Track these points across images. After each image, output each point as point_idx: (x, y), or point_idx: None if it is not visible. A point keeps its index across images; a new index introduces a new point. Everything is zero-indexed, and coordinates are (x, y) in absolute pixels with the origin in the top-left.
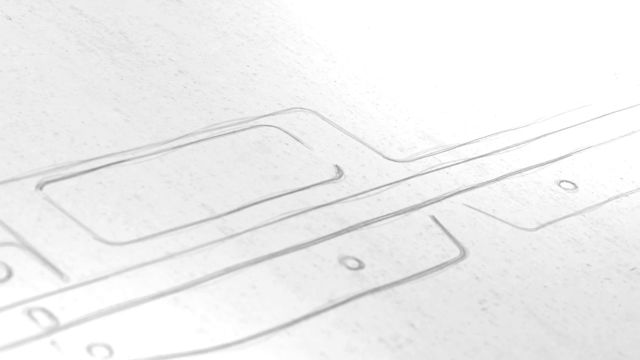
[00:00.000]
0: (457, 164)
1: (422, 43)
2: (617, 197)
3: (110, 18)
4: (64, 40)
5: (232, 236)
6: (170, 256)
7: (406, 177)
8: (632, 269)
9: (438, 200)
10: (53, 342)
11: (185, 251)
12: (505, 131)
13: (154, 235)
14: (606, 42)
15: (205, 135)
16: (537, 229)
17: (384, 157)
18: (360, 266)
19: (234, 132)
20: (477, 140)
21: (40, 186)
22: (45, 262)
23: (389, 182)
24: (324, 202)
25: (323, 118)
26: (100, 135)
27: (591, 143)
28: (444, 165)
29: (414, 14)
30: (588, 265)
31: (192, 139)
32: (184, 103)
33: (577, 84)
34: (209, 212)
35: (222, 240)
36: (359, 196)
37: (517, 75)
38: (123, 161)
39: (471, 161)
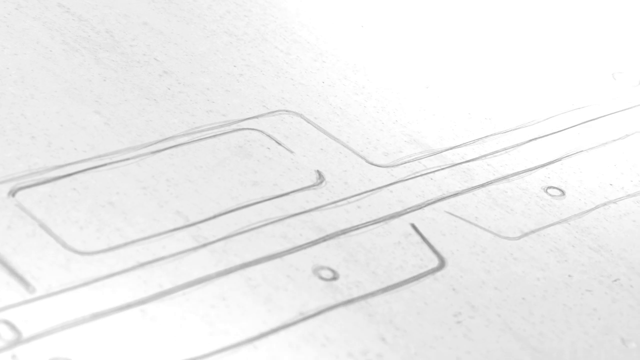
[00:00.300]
0: (443, 169)
1: (415, 42)
2: (605, 204)
3: (97, 16)
4: (49, 39)
5: (205, 245)
6: (140, 266)
7: (389, 183)
8: (615, 280)
9: (420, 207)
10: (14, 357)
11: (156, 261)
12: (494, 134)
13: (125, 244)
14: (601, 43)
15: (185, 139)
16: (519, 237)
17: (367, 162)
18: (335, 277)
19: (215, 135)
20: (464, 144)
21: (13, 192)
22: (12, 272)
23: (370, 188)
24: (302, 210)
25: (308, 121)
26: (78, 139)
27: (582, 147)
28: (428, 171)
29: (408, 13)
30: (569, 276)
31: (172, 143)
32: (166, 105)
33: (571, 85)
34: (184, 219)
35: (194, 249)
36: (338, 203)
37: (510, 76)
38: (99, 166)
39: (457, 166)
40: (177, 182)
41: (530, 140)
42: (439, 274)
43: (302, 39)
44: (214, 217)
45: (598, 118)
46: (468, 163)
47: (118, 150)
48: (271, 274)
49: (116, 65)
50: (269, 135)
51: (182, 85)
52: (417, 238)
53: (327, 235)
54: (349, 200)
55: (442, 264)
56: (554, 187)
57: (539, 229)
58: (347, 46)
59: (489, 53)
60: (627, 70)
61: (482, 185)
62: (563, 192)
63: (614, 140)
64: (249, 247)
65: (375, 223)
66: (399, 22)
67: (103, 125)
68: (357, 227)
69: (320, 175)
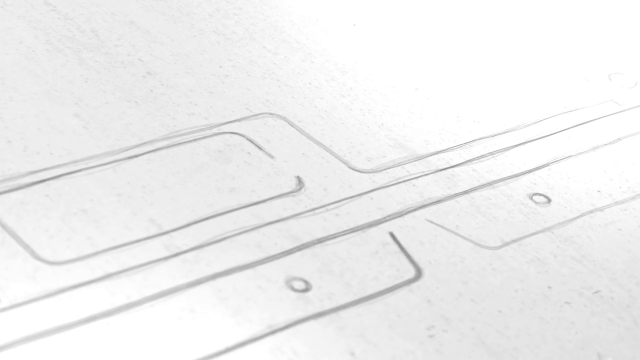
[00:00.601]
0: (426, 174)
1: (407, 42)
2: (591, 212)
3: (84, 15)
4: (33, 39)
5: (176, 254)
6: (108, 277)
7: (369, 189)
8: (596, 292)
9: (400, 215)
10: None
11: (125, 271)
12: (482, 138)
13: (95, 254)
14: (598, 43)
15: (164, 143)
16: (500, 247)
17: (349, 167)
18: (307, 288)
19: (195, 139)
20: (450, 148)
21: None
22: None
23: (350, 195)
24: (279, 218)
25: (291, 124)
26: (55, 144)
27: (572, 152)
28: (411, 177)
29: (402, 11)
30: (549, 287)
31: (150, 147)
32: (147, 108)
33: (565, 86)
34: (157, 228)
35: (165, 259)
36: (316, 211)
37: (502, 77)
38: (74, 172)
39: (441, 172)
40: (152, 188)
41: (519, 145)
42: (414, 285)
43: (291, 38)
44: (188, 225)
45: (590, 121)
46: (453, 168)
47: (95, 155)
48: (242, 285)
49: (99, 66)
50: (250, 140)
51: (165, 86)
52: (395, 247)
53: (303, 245)
54: (328, 207)
55: (418, 274)
56: (540, 194)
57: (521, 238)
58: (337, 46)
59: (480, 54)
60: (625, 71)
61: (466, 192)
62: (549, 199)
63: (605, 144)
64: (222, 256)
65: (353, 232)
66: (392, 21)
67: (81, 129)
68: (333, 236)
69: (300, 181)
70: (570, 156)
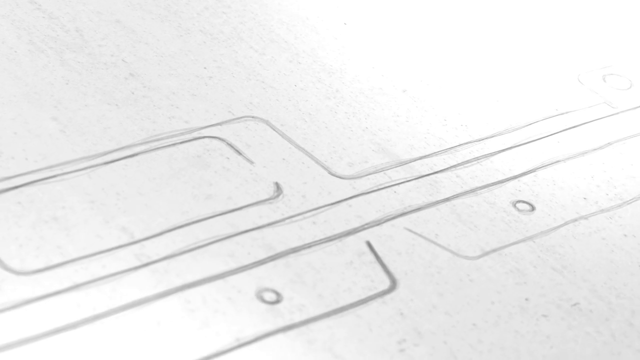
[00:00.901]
0: (408, 181)
1: (396, 42)
2: (575, 220)
3: (69, 13)
4: (15, 39)
5: (147, 264)
6: (76, 287)
7: (349, 196)
8: (574, 305)
9: (378, 223)
10: None
11: (93, 281)
12: (468, 143)
13: (64, 264)
14: (594, 43)
15: (142, 148)
16: (479, 257)
17: (330, 173)
18: (278, 300)
19: (174, 144)
20: (435, 153)
21: None
22: None
23: (329, 202)
24: (254, 226)
25: (273, 128)
26: (30, 149)
27: (560, 157)
28: (393, 183)
29: (394, 11)
30: (526, 299)
31: (128, 152)
32: (127, 111)
33: (557, 88)
34: (129, 236)
35: (135, 269)
36: (293, 219)
37: (492, 78)
38: (48, 178)
39: (424, 178)
40: (127, 195)
41: (505, 149)
42: (388, 296)
43: (279, 38)
44: (160, 234)
45: (581, 124)
46: (436, 174)
47: (70, 161)
48: (212, 296)
49: (81, 67)
50: (230, 144)
51: (147, 89)
52: (371, 257)
53: (276, 254)
54: (305, 215)
55: (393, 285)
56: (524, 202)
57: (501, 248)
58: (326, 46)
59: (473, 55)
60: (620, 72)
61: (447, 199)
62: (532, 207)
63: (595, 149)
64: (193, 266)
65: (329, 241)
66: (384, 20)
67: (59, 133)
68: (309, 245)
69: (278, 187)
70: (558, 161)
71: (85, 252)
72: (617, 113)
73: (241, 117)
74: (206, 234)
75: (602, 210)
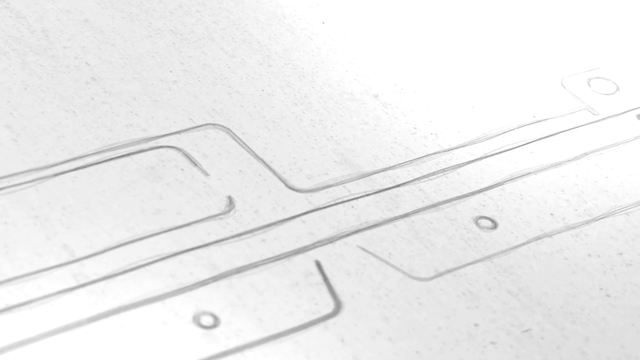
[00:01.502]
0: (368, 195)
1: (372, 45)
2: (538, 238)
3: (37, 12)
4: None
5: (84, 285)
6: (8, 310)
7: (303, 212)
8: (525, 331)
9: (331, 241)
10: None
11: (26, 303)
12: (436, 153)
13: None
14: (574, 48)
15: (95, 158)
16: (432, 278)
17: (287, 186)
18: (215, 324)
19: (128, 154)
20: (400, 165)
21: None
22: None
23: (282, 218)
24: (201, 243)
25: (234, 137)
26: None
27: (530, 168)
28: (351, 197)
29: (372, 11)
30: (476, 325)
31: (80, 163)
32: (84, 118)
33: (537, 93)
34: (69, 254)
35: (71, 289)
36: (242, 236)
37: (470, 83)
38: None
39: (384, 192)
40: (73, 210)
41: (474, 160)
42: (331, 321)
43: (252, 38)
44: (102, 252)
45: (558, 133)
46: (398, 188)
47: (19, 172)
48: (147, 319)
49: (42, 71)
50: (186, 154)
51: (107, 94)
52: (319, 278)
53: (219, 275)
54: (255, 232)
55: (337, 309)
56: (486, 218)
57: (457, 268)
58: (300, 47)
59: (451, 57)
60: (607, 75)
61: (406, 215)
62: (495, 224)
63: (569, 160)
64: (132, 287)
65: (277, 260)
66: (363, 20)
67: (10, 142)
68: (255, 265)
69: (230, 202)
70: (529, 174)
71: (22, 271)
72: (598, 120)
73: (201, 125)
74: (150, 252)
75: (568, 228)
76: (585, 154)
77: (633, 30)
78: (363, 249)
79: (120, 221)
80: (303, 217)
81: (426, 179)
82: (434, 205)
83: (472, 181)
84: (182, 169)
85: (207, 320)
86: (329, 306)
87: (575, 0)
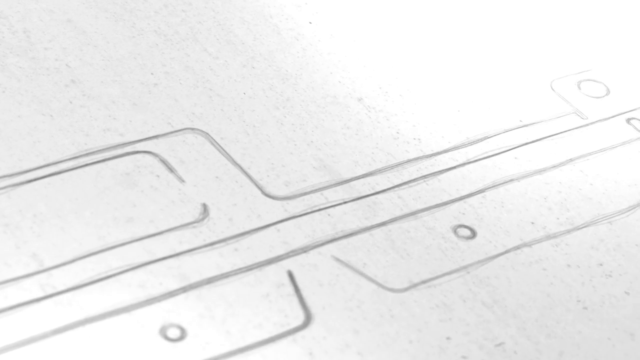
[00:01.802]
0: (346, 202)
1: (359, 46)
2: (517, 247)
3: (20, 12)
4: None
5: (51, 296)
6: None
7: (278, 220)
8: (498, 345)
9: (305, 250)
10: None
11: None
12: (417, 159)
13: None
14: (565, 49)
15: (70, 164)
16: (406, 289)
17: (263, 193)
18: (182, 337)
19: (104, 160)
20: (380, 171)
21: None
22: None
23: (256, 226)
24: (172, 253)
25: (212, 142)
26: None
27: (514, 175)
28: (328, 205)
29: (360, 11)
30: (448, 338)
31: (54, 169)
32: (61, 122)
33: (525, 97)
34: (38, 264)
35: (38, 301)
36: (215, 245)
37: (457, 87)
38: None
39: (363, 199)
40: (44, 217)
41: (456, 167)
42: (300, 334)
43: (237, 39)
44: (71, 261)
45: (544, 138)
46: (376, 195)
47: None
48: (113, 332)
49: (21, 73)
50: (163, 160)
51: (86, 97)
52: (291, 289)
53: (189, 285)
54: (228, 241)
55: (307, 321)
56: (465, 226)
57: (432, 279)
58: (285, 48)
59: (437, 60)
60: (598, 78)
61: (384, 224)
62: (474, 233)
63: (554, 166)
64: (100, 298)
65: (249, 270)
66: (351, 20)
67: None
68: (225, 275)
69: (205, 209)
70: (512, 180)
71: None
72: (587, 125)
73: (180, 130)
74: (120, 261)
75: (548, 237)
76: (571, 159)
77: (626, 30)
78: (337, 259)
79: (92, 229)
80: (278, 226)
81: (406, 185)
82: (413, 214)
83: (453, 188)
84: (158, 175)
85: (173, 332)
86: (299, 318)
87: (569, 0)
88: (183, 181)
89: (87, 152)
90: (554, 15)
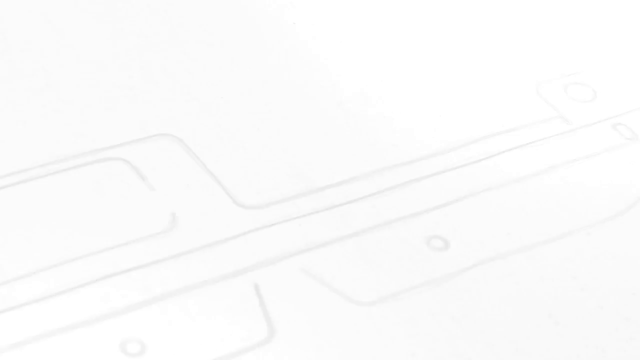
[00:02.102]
0: (317, 212)
1: (342, 49)
2: (491, 260)
3: None
4: None
5: (10, 309)
6: None
7: (247, 230)
8: None
9: (272, 262)
10: None
11: None
12: (395, 166)
13: None
14: (555, 47)
15: (38, 172)
16: (374, 303)
17: (234, 202)
18: (142, 351)
19: (73, 167)
20: (355, 178)
21: None
22: None
23: (225, 237)
24: (137, 264)
25: (185, 149)
26: None
27: (491, 183)
28: (299, 215)
29: (347, 12)
30: (413, 354)
31: (16, 179)
32: (33, 129)
33: (509, 101)
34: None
35: None
36: (181, 256)
37: (440, 90)
38: None
39: (335, 209)
40: (9, 227)
41: (433, 175)
42: (260, 349)
43: (218, 41)
44: (33, 273)
45: (526, 144)
46: (349, 204)
47: None
48: (72, 346)
49: None
50: (133, 168)
51: (61, 102)
52: (256, 302)
53: (153, 298)
54: (194, 252)
55: (269, 337)
56: (439, 237)
57: (401, 292)
58: (267, 50)
59: (421, 63)
60: (586, 81)
61: (355, 234)
62: (447, 244)
63: (534, 174)
64: (59, 311)
65: (214, 282)
66: (335, 22)
67: None
68: (190, 288)
69: (174, 219)
70: (490, 189)
71: None
72: (571, 130)
73: (154, 135)
74: (83, 273)
75: (523, 249)
76: (552, 167)
77: (617, 31)
78: (305, 271)
79: (56, 240)
80: (247, 236)
81: (381, 194)
82: (386, 224)
83: (429, 197)
84: (128, 184)
85: (133, 347)
86: (262, 333)
87: (560, 3)
88: (153, 189)
89: (57, 159)
90: (543, 15)
